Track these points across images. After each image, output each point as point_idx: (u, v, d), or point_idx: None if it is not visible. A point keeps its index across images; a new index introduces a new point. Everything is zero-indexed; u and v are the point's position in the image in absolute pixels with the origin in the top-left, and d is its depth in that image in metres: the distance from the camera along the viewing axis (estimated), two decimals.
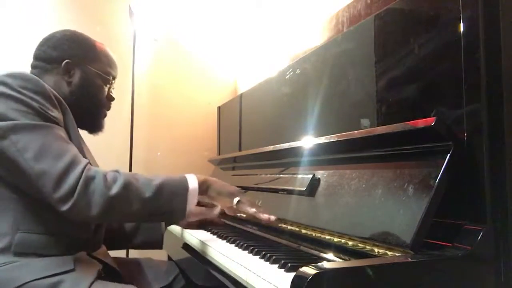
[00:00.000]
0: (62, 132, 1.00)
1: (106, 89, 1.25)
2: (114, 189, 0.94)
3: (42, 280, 0.92)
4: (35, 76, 1.03)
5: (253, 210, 1.11)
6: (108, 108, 1.28)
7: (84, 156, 1.03)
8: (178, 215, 1.04)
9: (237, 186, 1.58)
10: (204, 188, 1.09)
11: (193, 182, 1.06)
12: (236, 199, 1.12)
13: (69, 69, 1.17)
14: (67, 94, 1.16)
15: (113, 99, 1.29)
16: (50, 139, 0.95)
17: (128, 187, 0.95)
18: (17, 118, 0.94)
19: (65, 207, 0.90)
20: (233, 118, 2.14)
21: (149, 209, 0.99)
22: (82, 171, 0.93)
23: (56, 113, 1.01)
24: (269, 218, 1.09)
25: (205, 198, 1.13)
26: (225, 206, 1.17)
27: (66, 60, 1.16)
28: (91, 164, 0.98)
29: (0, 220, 0.96)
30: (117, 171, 0.98)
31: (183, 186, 1.04)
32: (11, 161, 0.92)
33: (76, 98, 1.17)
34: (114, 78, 1.28)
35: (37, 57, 1.19)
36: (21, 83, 0.98)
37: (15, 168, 0.93)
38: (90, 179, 0.93)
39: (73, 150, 0.97)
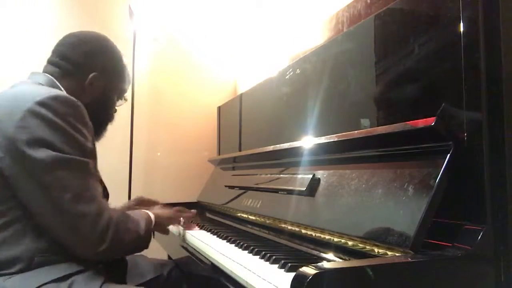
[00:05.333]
0: (93, 167, 1.02)
1: (115, 105, 1.27)
2: (132, 232, 1.06)
3: (56, 284, 0.91)
4: (78, 102, 1.01)
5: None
6: (112, 122, 1.30)
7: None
8: (145, 246, 1.13)
9: (237, 186, 1.59)
10: (156, 220, 1.22)
11: (152, 217, 1.19)
12: (181, 221, 1.41)
13: (94, 82, 1.16)
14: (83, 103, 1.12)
15: (116, 111, 1.30)
16: (88, 178, 0.97)
17: (130, 229, 1.06)
18: (63, 149, 0.94)
19: (101, 248, 0.95)
20: (233, 118, 2.14)
21: (140, 243, 1.11)
22: (111, 215, 0.99)
23: (91, 141, 1.04)
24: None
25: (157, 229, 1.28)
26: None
27: (95, 73, 1.15)
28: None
29: (16, 244, 0.94)
30: (118, 212, 1.07)
31: (150, 221, 1.17)
32: (49, 197, 0.92)
33: (90, 108, 1.12)
34: (125, 95, 1.30)
35: (63, 55, 1.15)
36: (66, 109, 0.97)
37: (49, 203, 0.92)
38: (119, 223, 1.00)
39: (100, 189, 1.02)
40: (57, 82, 1.12)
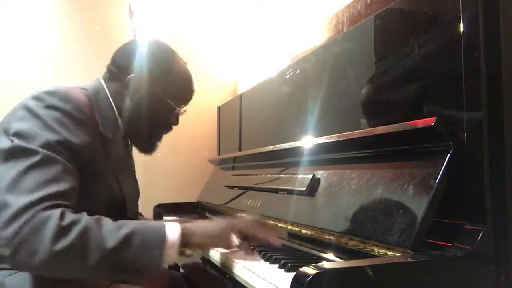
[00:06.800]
0: (61, 166, 0.86)
1: (170, 114, 1.17)
2: (68, 238, 0.78)
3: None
4: (76, 95, 0.96)
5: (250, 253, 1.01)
6: (167, 131, 1.22)
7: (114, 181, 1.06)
8: (150, 272, 0.85)
9: (237, 186, 1.59)
10: (186, 238, 0.90)
11: (173, 232, 0.88)
12: (236, 242, 0.97)
13: (133, 85, 1.10)
14: (125, 109, 1.11)
15: (176, 124, 1.21)
16: (39, 171, 0.83)
17: (85, 235, 0.80)
18: (27, 138, 0.86)
19: (7, 252, 0.77)
20: (233, 118, 2.14)
21: (112, 262, 0.82)
22: (37, 212, 0.78)
23: (80, 137, 0.92)
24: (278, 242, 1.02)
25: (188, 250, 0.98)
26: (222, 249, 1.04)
27: (132, 75, 1.10)
28: (65, 205, 0.84)
29: None
30: (81, 214, 0.84)
31: (159, 237, 0.86)
32: None
33: (132, 115, 1.11)
34: (184, 104, 1.21)
35: (112, 59, 1.16)
36: (57, 103, 0.92)
37: None
38: (40, 223, 0.77)
39: (53, 187, 0.82)
40: (104, 85, 1.11)
